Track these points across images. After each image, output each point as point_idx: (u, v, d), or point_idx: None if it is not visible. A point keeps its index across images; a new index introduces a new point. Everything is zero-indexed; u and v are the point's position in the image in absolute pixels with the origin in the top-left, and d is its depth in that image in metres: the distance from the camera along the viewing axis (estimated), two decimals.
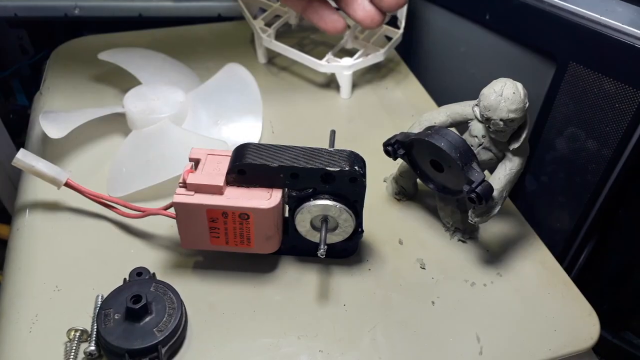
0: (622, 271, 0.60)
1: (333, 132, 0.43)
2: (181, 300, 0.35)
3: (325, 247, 0.35)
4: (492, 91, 0.35)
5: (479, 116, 0.37)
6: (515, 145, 0.37)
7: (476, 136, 0.38)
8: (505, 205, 0.47)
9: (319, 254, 0.35)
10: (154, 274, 0.37)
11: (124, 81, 0.54)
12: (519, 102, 0.35)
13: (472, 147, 0.37)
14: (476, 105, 0.37)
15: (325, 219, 0.37)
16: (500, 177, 0.38)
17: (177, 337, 0.34)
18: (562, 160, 0.56)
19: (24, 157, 0.40)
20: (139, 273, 0.37)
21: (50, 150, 0.48)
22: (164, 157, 0.45)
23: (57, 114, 0.49)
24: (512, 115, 0.35)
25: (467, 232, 0.43)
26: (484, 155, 0.39)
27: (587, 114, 0.52)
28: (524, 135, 0.37)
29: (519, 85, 0.36)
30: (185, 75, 0.56)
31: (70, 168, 0.47)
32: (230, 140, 0.47)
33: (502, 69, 0.62)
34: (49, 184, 0.41)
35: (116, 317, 0.33)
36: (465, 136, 0.39)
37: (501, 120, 0.35)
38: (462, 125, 0.40)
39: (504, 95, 0.35)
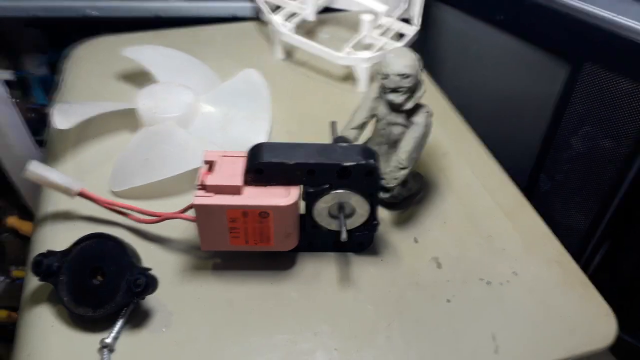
0: (639, 271, 0.59)
1: (333, 123, 0.43)
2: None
3: (346, 229, 0.36)
4: (388, 54, 0.40)
5: (379, 78, 0.40)
6: (409, 104, 0.40)
7: (383, 118, 0.42)
8: (520, 203, 0.47)
9: (341, 239, 0.36)
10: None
11: (141, 80, 0.55)
12: (410, 59, 0.39)
13: (383, 130, 0.42)
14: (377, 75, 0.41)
15: (341, 206, 0.37)
16: (409, 140, 0.41)
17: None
18: (578, 159, 0.56)
19: (35, 169, 0.39)
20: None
21: (65, 144, 0.49)
22: (162, 157, 0.45)
23: (70, 105, 0.49)
24: (406, 70, 0.39)
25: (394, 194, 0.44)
26: (395, 130, 0.42)
27: (603, 113, 0.52)
28: (417, 94, 0.40)
29: (410, 50, 0.41)
30: (204, 76, 0.56)
31: (83, 160, 0.47)
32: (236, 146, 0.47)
33: (516, 69, 0.62)
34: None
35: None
36: (376, 127, 0.43)
37: (397, 75, 0.39)
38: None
39: (396, 53, 0.40)
